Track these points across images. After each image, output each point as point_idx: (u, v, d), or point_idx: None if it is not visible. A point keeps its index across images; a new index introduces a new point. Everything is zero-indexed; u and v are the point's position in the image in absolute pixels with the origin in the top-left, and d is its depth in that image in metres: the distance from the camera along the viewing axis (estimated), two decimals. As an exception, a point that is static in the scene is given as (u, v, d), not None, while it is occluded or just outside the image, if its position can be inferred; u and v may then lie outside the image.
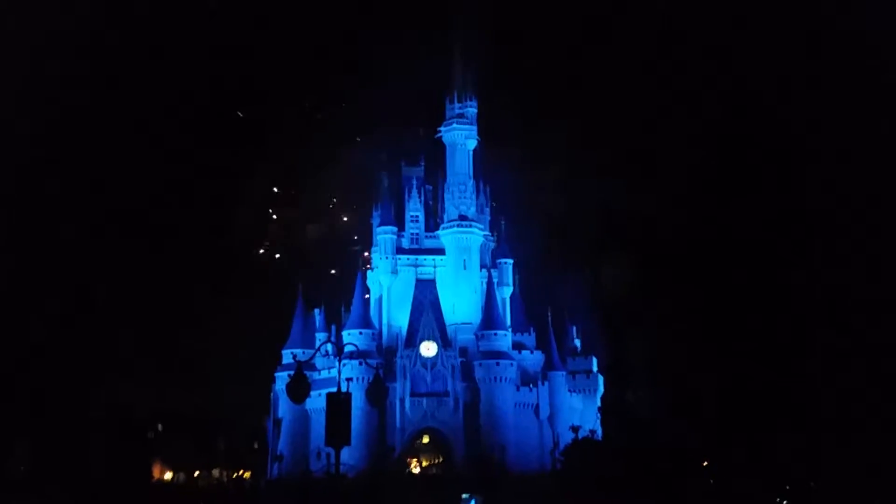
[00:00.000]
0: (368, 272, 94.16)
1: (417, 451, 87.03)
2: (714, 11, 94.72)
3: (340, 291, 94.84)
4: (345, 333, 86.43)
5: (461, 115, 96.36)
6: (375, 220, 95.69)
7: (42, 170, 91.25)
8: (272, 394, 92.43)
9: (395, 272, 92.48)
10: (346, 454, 20.40)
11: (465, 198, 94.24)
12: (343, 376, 21.31)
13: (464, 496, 49.87)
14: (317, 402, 75.86)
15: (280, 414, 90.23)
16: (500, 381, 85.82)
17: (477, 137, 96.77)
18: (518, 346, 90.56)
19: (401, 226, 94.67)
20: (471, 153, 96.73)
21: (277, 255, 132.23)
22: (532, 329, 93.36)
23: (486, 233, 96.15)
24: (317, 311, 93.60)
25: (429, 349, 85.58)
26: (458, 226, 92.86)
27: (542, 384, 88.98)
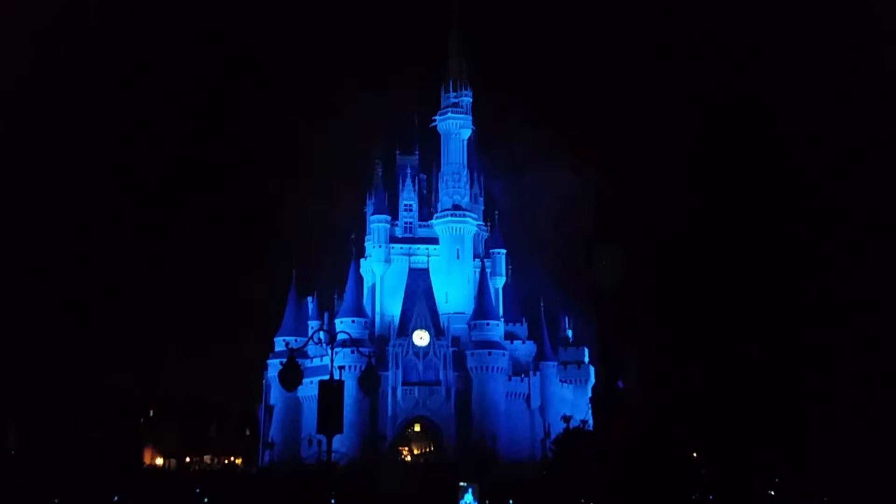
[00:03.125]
0: (361, 261, 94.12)
1: (409, 440, 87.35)
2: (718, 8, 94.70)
3: (333, 280, 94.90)
4: (337, 321, 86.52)
5: (456, 105, 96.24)
6: (369, 209, 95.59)
7: (40, 162, 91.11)
8: (264, 381, 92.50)
9: (388, 261, 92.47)
10: (337, 442, 20.48)
11: (459, 187, 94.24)
12: (335, 364, 21.39)
13: (461, 484, 49.92)
14: (309, 389, 75.99)
15: (272, 401, 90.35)
16: (492, 370, 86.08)
17: (472, 127, 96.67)
18: (510, 336, 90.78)
19: (394, 215, 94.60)
20: (465, 143, 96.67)
21: (270, 243, 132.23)
22: (524, 319, 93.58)
23: (480, 222, 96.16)
24: (309, 298, 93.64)
25: (421, 338, 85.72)
26: (451, 215, 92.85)
27: (534, 374, 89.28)
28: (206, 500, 63.90)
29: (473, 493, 49.60)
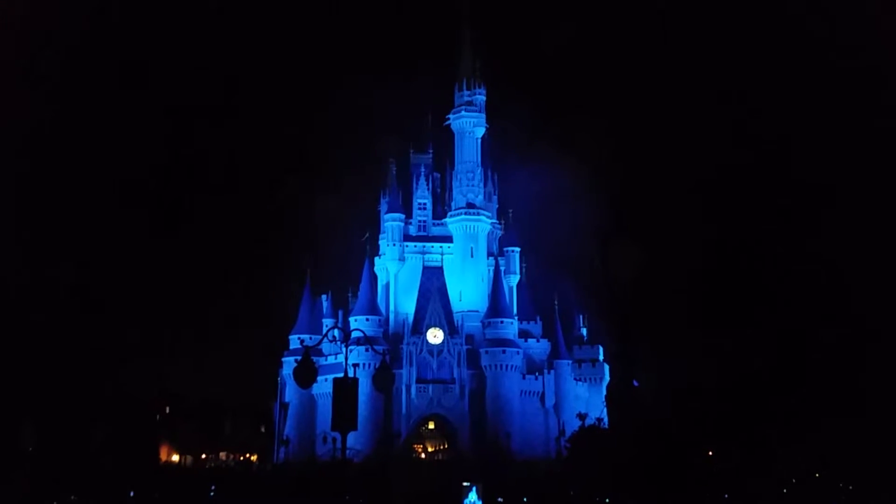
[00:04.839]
0: (376, 259, 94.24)
1: (423, 437, 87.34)
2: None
3: (347, 278, 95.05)
4: (352, 319, 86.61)
5: (470, 103, 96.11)
6: (383, 207, 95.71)
7: (52, 159, 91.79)
8: (279, 378, 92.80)
9: (402, 259, 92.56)
10: (352, 439, 20.53)
11: (472, 185, 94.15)
12: (350, 362, 21.44)
13: (465, 484, 50.03)
14: (323, 387, 76.27)
15: (287, 398, 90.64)
16: (506, 368, 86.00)
17: (485, 125, 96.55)
18: (524, 335, 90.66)
19: (408, 213, 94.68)
20: (479, 141, 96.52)
21: (285, 242, 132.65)
22: (538, 317, 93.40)
23: (494, 221, 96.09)
24: (324, 296, 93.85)
25: (435, 336, 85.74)
26: (465, 213, 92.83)
27: (548, 372, 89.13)
28: (221, 496, 64.17)
29: (477, 492, 49.76)
